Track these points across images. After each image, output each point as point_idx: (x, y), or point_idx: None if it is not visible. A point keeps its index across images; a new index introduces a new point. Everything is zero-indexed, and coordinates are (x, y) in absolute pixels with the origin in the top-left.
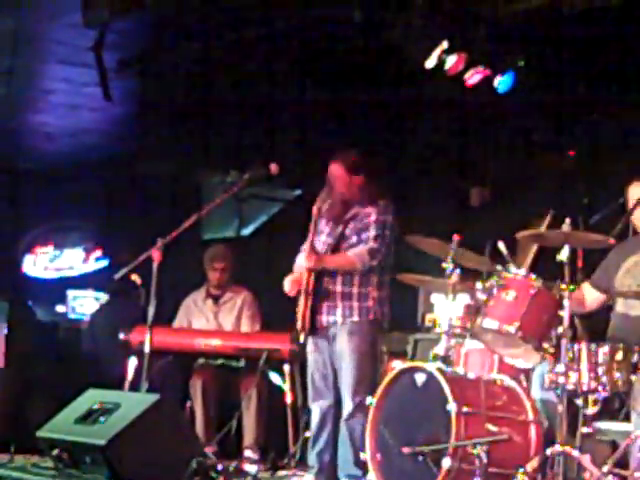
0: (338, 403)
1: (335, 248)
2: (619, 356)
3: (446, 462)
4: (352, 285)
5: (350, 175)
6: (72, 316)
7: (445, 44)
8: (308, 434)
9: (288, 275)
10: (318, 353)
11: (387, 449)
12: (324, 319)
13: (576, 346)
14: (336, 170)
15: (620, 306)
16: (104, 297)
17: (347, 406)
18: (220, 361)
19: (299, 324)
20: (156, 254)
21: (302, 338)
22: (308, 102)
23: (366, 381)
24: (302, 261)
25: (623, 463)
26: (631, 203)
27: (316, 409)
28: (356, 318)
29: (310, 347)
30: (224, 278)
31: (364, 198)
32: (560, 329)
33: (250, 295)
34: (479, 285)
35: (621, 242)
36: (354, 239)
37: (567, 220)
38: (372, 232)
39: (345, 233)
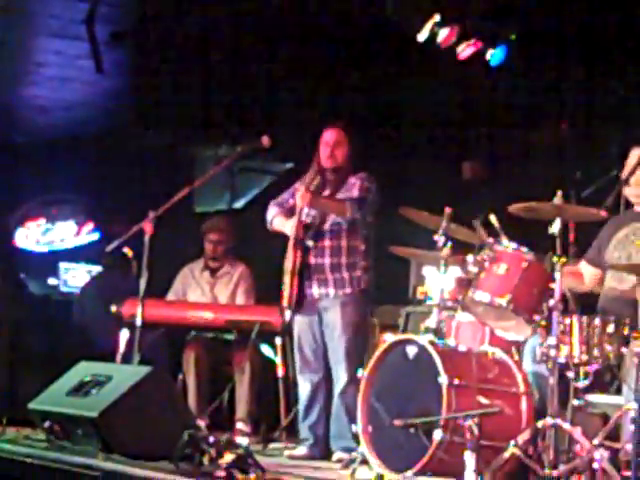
0: (328, 376)
1: (322, 221)
2: (610, 329)
3: (437, 434)
4: (340, 255)
5: (347, 141)
6: (64, 289)
7: (437, 17)
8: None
9: (279, 250)
10: (307, 327)
11: (379, 421)
12: (315, 292)
13: (567, 319)
14: (337, 135)
15: (610, 280)
16: (96, 269)
17: (341, 379)
18: (212, 334)
19: (285, 302)
20: (148, 226)
21: (288, 315)
22: (301, 75)
23: (358, 353)
24: (297, 200)
25: (614, 436)
26: (628, 168)
27: (306, 382)
28: (348, 290)
29: (297, 322)
30: (219, 250)
31: (349, 168)
32: (551, 302)
33: (247, 269)
34: (470, 258)
35: (613, 216)
36: None
37: (559, 193)
38: (356, 193)
39: None
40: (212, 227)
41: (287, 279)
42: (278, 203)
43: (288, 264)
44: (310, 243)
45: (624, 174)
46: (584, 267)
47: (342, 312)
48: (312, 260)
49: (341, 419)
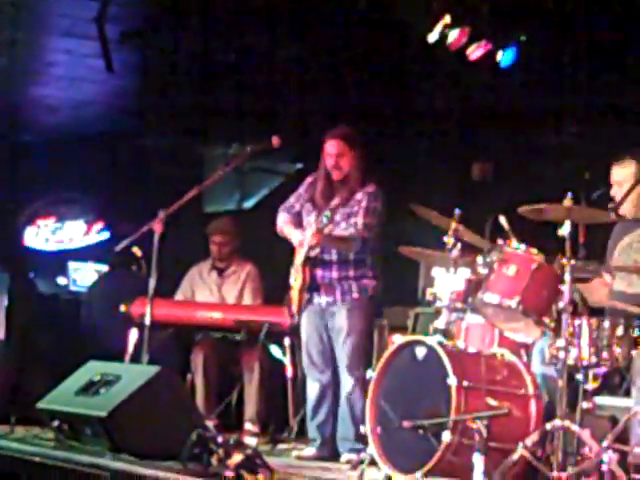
0: (336, 379)
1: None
2: (620, 331)
3: (446, 436)
4: (348, 269)
5: (351, 150)
6: (73, 288)
7: (448, 18)
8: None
9: (288, 250)
10: (313, 329)
11: (387, 423)
12: (323, 301)
13: (577, 321)
14: (339, 146)
15: (618, 283)
16: (105, 269)
17: (347, 382)
18: (221, 334)
19: (294, 310)
20: (157, 226)
21: (295, 320)
22: (310, 76)
23: (364, 357)
24: (307, 237)
25: (623, 438)
26: (614, 184)
27: (314, 382)
28: (356, 295)
29: (305, 324)
30: (224, 252)
31: (357, 177)
32: (561, 304)
33: (254, 269)
34: (480, 259)
35: (619, 221)
36: (343, 225)
37: (569, 195)
38: (361, 219)
39: (335, 219)
40: (216, 229)
41: (295, 295)
42: (286, 208)
43: (296, 282)
44: (313, 253)
45: (615, 198)
46: (608, 278)
47: (348, 316)
48: (319, 273)
49: (347, 422)
